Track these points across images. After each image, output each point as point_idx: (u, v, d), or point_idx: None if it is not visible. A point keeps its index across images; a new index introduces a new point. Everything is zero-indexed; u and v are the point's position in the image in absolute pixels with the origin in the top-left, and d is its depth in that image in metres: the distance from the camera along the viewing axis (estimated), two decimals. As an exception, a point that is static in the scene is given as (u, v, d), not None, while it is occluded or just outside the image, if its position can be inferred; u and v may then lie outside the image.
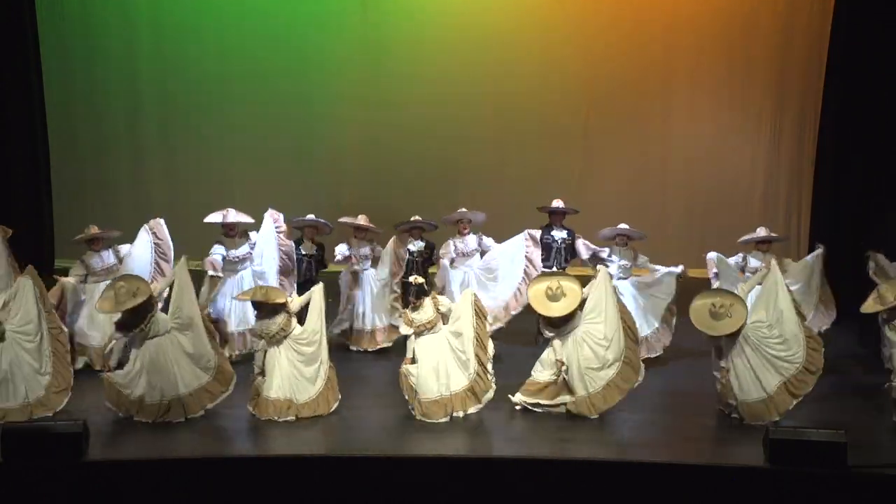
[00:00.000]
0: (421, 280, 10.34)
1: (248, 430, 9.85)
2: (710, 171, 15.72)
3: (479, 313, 10.20)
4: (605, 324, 10.17)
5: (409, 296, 10.39)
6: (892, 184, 14.62)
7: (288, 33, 15.50)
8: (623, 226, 12.20)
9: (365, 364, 11.92)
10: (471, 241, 12.55)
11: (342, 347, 12.16)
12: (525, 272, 12.23)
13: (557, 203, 12.70)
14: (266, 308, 9.99)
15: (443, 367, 10.05)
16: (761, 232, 12.16)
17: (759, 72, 15.47)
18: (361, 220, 12.33)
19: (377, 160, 15.79)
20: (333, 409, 10.14)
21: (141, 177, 15.80)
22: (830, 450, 8.82)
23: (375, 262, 12.34)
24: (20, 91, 14.87)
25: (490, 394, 10.15)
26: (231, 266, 11.86)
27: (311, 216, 12.24)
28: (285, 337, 10.03)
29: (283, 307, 10.02)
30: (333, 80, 15.66)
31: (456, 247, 12.51)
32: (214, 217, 11.97)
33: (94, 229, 11.75)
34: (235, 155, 15.76)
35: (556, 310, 10.14)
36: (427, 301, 10.18)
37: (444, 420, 10.00)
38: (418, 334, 10.13)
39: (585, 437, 9.91)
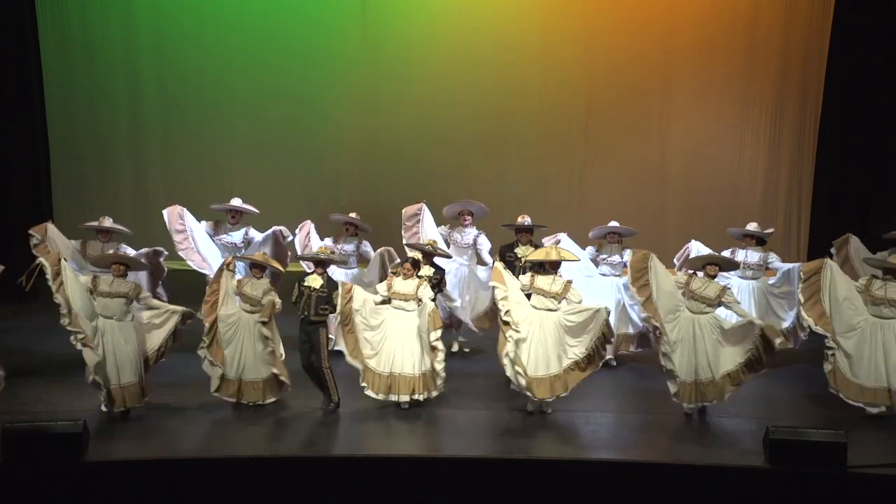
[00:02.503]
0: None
1: (247, 430, 9.85)
2: (710, 171, 15.71)
3: (434, 321, 10.37)
4: None
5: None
6: (891, 183, 14.66)
7: (288, 35, 15.46)
8: (613, 224, 12.28)
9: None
10: (469, 233, 12.49)
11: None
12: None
13: (524, 220, 12.23)
14: (262, 271, 10.60)
15: (408, 347, 10.36)
16: (751, 227, 12.37)
17: (759, 72, 15.46)
18: (352, 215, 12.41)
19: (376, 161, 15.77)
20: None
21: (141, 176, 15.78)
22: (830, 450, 8.84)
23: (362, 261, 12.36)
24: (20, 91, 14.84)
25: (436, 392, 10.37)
26: (222, 251, 12.29)
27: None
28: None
29: (277, 278, 10.70)
30: (333, 81, 15.63)
31: (452, 235, 12.49)
32: (220, 205, 12.60)
33: (108, 221, 11.93)
34: (235, 155, 15.74)
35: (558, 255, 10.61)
36: (413, 279, 10.54)
37: (380, 397, 10.30)
38: (388, 302, 10.51)
39: (582, 437, 9.93)
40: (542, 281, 10.45)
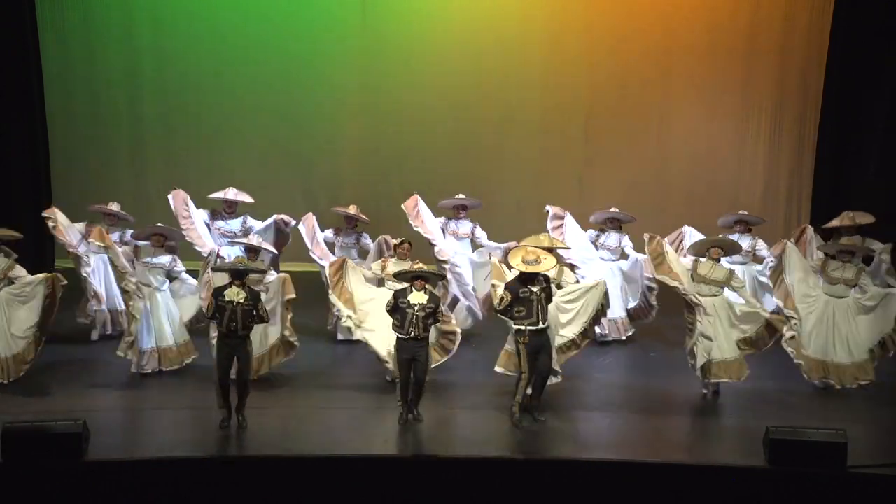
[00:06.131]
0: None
1: (248, 430, 9.83)
2: (711, 171, 15.72)
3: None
4: None
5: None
6: (891, 183, 14.65)
7: (287, 35, 15.46)
8: (613, 210, 12.66)
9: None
10: (465, 225, 12.82)
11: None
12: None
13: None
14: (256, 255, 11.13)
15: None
16: (741, 213, 12.83)
17: (759, 72, 15.47)
18: (352, 209, 12.56)
19: (375, 161, 15.78)
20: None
21: (141, 177, 15.78)
22: (830, 450, 8.84)
23: (363, 254, 12.46)
24: (20, 91, 14.84)
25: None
26: (219, 239, 12.55)
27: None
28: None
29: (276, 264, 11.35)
30: (332, 83, 15.64)
31: (449, 226, 12.84)
32: (216, 194, 12.84)
33: (116, 206, 12.27)
34: (235, 156, 15.73)
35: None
36: (408, 260, 10.83)
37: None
38: (384, 282, 10.92)
39: (582, 437, 9.93)
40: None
